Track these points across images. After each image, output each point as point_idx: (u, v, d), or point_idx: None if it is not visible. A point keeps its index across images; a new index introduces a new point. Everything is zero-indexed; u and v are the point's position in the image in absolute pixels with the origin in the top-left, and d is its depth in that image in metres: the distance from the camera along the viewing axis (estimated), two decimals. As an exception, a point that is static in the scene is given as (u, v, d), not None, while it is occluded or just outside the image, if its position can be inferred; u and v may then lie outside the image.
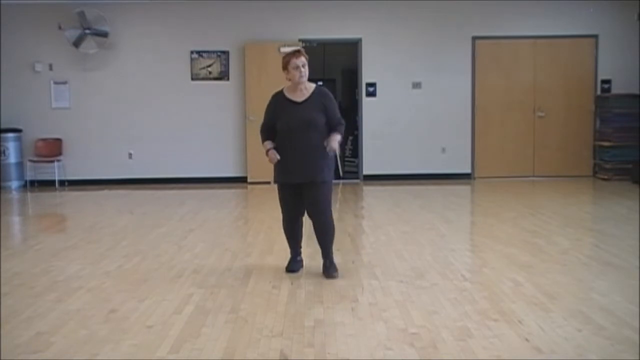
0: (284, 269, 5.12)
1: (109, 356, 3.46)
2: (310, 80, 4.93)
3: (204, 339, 3.68)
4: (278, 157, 4.85)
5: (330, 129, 4.89)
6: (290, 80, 4.89)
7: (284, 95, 4.94)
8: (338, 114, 4.97)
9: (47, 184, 10.86)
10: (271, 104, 4.99)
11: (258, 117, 10.37)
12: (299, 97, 4.89)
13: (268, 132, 4.97)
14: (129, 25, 10.87)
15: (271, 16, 10.81)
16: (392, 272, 5.08)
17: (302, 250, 5.25)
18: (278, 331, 3.78)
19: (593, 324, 3.82)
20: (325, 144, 4.81)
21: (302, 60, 4.83)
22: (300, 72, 4.81)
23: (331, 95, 5.02)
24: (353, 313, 4.11)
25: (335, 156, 5.08)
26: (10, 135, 10.71)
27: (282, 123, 4.86)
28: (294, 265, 5.13)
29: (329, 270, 4.93)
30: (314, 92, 4.91)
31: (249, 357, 3.41)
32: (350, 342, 3.60)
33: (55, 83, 10.90)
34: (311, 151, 4.82)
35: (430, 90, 10.99)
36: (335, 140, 4.83)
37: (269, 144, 4.93)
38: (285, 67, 4.86)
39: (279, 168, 4.94)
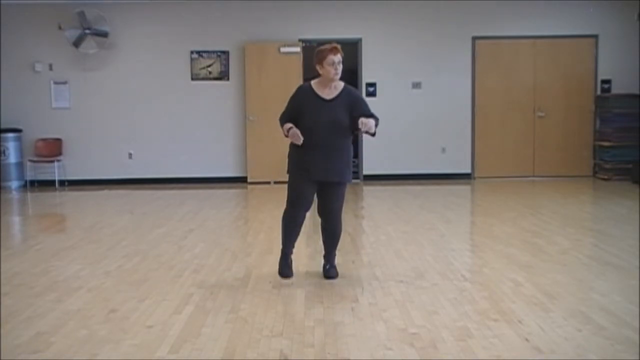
0: (277, 273, 4.95)
1: (109, 356, 3.46)
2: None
3: (204, 339, 3.68)
4: (301, 137, 4.63)
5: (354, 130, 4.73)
6: (322, 75, 4.70)
7: (312, 90, 4.75)
8: (370, 111, 4.77)
9: (47, 184, 10.85)
10: (297, 97, 4.79)
11: (258, 117, 10.61)
12: (329, 94, 4.72)
13: (287, 121, 4.75)
14: (129, 25, 10.87)
15: (271, 16, 10.80)
16: (392, 272, 5.08)
17: (302, 250, 5.15)
18: (278, 331, 3.78)
19: (593, 324, 3.82)
20: (360, 123, 4.57)
21: (339, 57, 4.64)
22: (336, 69, 4.63)
23: (359, 94, 4.83)
24: (353, 313, 4.11)
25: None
26: (10, 135, 10.70)
27: (308, 119, 4.68)
28: (287, 268, 4.92)
29: (329, 272, 4.90)
30: (343, 91, 4.75)
31: (249, 357, 3.41)
32: (350, 342, 3.60)
33: (55, 83, 10.89)
34: (337, 150, 4.72)
35: (430, 90, 10.99)
36: (371, 121, 4.59)
37: (289, 124, 4.69)
38: (320, 62, 4.65)
39: (301, 163, 4.75)
